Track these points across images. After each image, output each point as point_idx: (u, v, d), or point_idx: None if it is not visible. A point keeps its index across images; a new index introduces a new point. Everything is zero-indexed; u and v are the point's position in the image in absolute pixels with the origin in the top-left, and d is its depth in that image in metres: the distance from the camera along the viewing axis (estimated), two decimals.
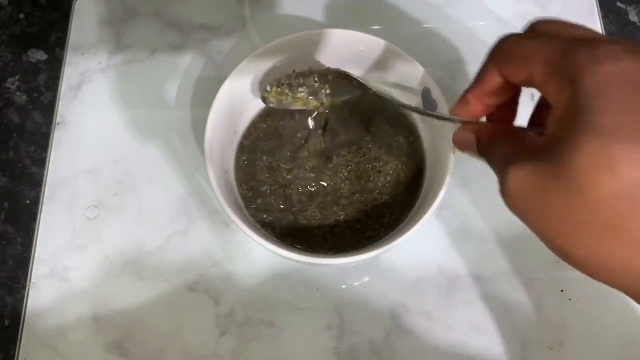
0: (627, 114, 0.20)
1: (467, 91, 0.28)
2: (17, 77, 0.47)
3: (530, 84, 0.24)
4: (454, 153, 0.34)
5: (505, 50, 0.25)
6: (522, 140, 0.25)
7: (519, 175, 0.22)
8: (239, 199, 0.38)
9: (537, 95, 0.26)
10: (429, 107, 0.38)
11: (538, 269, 0.39)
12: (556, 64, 0.22)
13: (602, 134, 0.20)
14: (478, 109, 0.28)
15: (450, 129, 0.36)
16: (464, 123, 0.29)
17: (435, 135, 0.38)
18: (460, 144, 0.28)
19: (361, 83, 0.35)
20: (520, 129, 0.28)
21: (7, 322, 0.39)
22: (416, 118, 0.40)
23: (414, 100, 0.39)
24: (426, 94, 0.38)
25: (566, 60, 0.22)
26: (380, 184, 0.38)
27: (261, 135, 0.40)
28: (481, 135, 0.27)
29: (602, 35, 0.22)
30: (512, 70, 0.25)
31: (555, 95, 0.22)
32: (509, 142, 0.25)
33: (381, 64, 0.40)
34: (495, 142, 0.25)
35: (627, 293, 0.22)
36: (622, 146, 0.19)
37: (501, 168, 0.23)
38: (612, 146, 0.19)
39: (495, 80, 0.26)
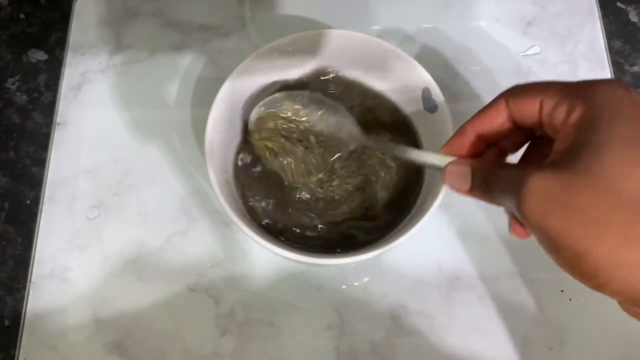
0: None
1: (467, 121, 0.28)
2: (17, 77, 0.47)
3: (537, 115, 0.25)
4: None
5: (518, 87, 0.26)
6: (530, 163, 0.25)
7: (541, 180, 0.22)
8: (239, 199, 0.38)
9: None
10: (428, 107, 0.38)
11: (538, 269, 0.39)
12: (566, 91, 0.23)
13: (624, 139, 0.21)
14: (472, 141, 0.27)
15: (451, 130, 0.36)
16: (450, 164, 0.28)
17: (435, 136, 0.37)
18: (450, 177, 0.27)
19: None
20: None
21: (7, 322, 0.39)
22: (416, 118, 0.40)
23: (414, 100, 0.39)
24: (426, 94, 0.38)
25: (578, 88, 0.23)
26: (380, 184, 0.38)
27: (262, 134, 0.40)
28: (477, 167, 0.26)
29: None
30: (521, 101, 0.25)
31: (564, 117, 0.23)
32: (512, 167, 0.24)
33: (381, 64, 0.40)
34: (497, 172, 0.25)
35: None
36: None
37: (514, 184, 0.23)
38: (635, 147, 0.21)
39: (498, 115, 0.26)
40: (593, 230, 0.21)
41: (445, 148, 0.28)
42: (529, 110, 0.25)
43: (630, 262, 0.20)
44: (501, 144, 0.28)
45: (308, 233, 0.37)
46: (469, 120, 0.27)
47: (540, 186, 0.22)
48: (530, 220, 0.22)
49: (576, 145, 0.22)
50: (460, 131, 0.28)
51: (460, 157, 0.28)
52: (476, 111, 0.27)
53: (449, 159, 0.27)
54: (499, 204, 0.25)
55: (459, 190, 0.27)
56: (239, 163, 0.39)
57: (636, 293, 0.21)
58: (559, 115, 0.23)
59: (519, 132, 0.27)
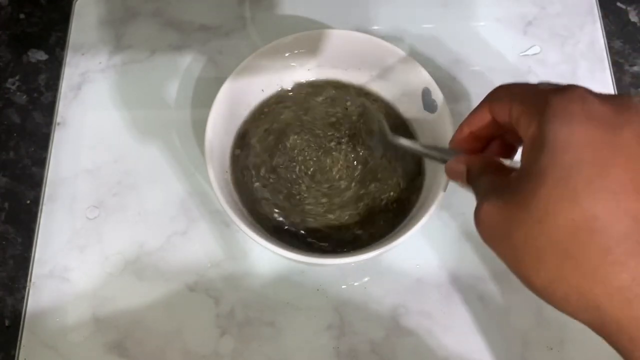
0: (588, 148, 0.21)
1: (463, 121, 0.29)
2: (17, 77, 0.47)
3: (510, 121, 0.25)
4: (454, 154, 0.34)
5: (496, 91, 0.27)
6: (503, 174, 0.25)
7: (490, 208, 0.23)
8: (239, 199, 0.38)
9: None
10: (428, 107, 0.38)
11: None
12: (528, 100, 0.24)
13: (565, 169, 0.21)
14: (469, 139, 0.29)
15: (451, 130, 0.36)
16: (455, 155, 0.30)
17: (435, 136, 0.38)
18: (451, 173, 0.29)
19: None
20: (508, 162, 0.29)
21: (7, 322, 0.39)
22: (416, 118, 0.40)
23: (414, 100, 0.39)
24: (426, 94, 0.38)
25: (537, 98, 0.23)
26: (380, 185, 0.38)
27: (262, 135, 0.40)
28: (472, 167, 0.28)
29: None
30: (496, 108, 0.26)
31: (525, 129, 0.23)
32: (491, 176, 0.26)
33: (381, 64, 0.40)
34: (482, 174, 0.26)
35: (588, 325, 0.22)
36: (582, 179, 0.20)
37: (478, 200, 0.25)
38: (572, 178, 0.20)
39: (484, 116, 0.27)
40: (532, 264, 0.22)
41: (450, 143, 0.31)
42: (504, 115, 0.26)
43: (562, 296, 0.22)
44: (505, 137, 0.29)
45: (308, 233, 0.37)
46: (465, 119, 0.29)
47: (488, 215, 0.23)
48: (483, 240, 0.24)
49: (525, 169, 0.22)
50: (459, 129, 0.30)
51: (466, 151, 0.30)
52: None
53: (454, 154, 0.30)
54: None
55: (458, 183, 0.29)
56: (240, 163, 0.39)
57: (583, 319, 0.22)
58: (522, 127, 0.24)
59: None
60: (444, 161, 0.30)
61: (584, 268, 0.20)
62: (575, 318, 0.22)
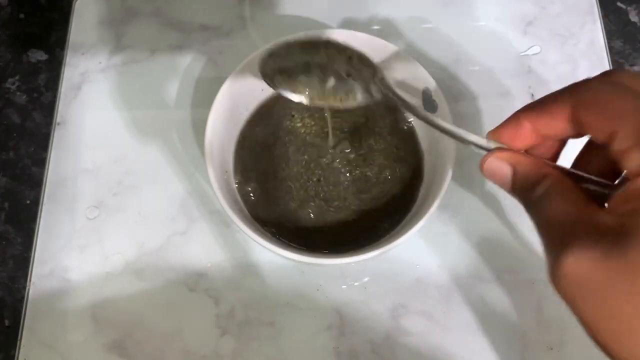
0: None
1: (521, 112, 0.23)
2: (17, 77, 0.47)
3: (603, 140, 0.20)
4: (454, 154, 0.34)
5: (591, 93, 0.21)
6: (579, 199, 0.20)
7: (580, 262, 0.18)
8: (239, 199, 0.38)
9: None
10: (428, 107, 0.38)
11: (538, 270, 0.39)
12: None
13: None
14: (527, 137, 0.23)
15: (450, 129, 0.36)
16: (493, 150, 0.24)
17: (435, 136, 0.37)
18: (491, 174, 0.23)
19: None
20: (575, 174, 0.22)
21: (7, 322, 0.39)
22: (416, 118, 0.40)
23: (414, 100, 0.39)
24: (426, 94, 0.38)
25: None
26: (379, 185, 0.38)
27: (262, 135, 0.40)
28: (521, 170, 0.22)
29: None
30: (591, 118, 0.21)
31: (636, 167, 0.19)
32: (565, 200, 0.20)
33: (381, 64, 0.40)
34: (542, 186, 0.21)
35: None
36: None
37: (554, 240, 0.19)
38: None
39: (562, 116, 0.22)
40: (631, 344, 0.18)
41: (492, 134, 0.24)
42: (597, 131, 0.21)
43: None
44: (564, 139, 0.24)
45: (308, 232, 0.37)
46: (526, 109, 0.23)
47: (577, 270, 0.19)
48: (560, 294, 0.20)
49: (631, 222, 0.18)
50: (513, 119, 0.23)
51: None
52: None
53: (495, 145, 0.24)
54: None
55: (500, 186, 0.23)
56: (240, 163, 0.39)
57: None
58: (631, 164, 0.19)
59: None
60: (480, 148, 0.24)
61: None
62: None
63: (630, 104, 0.20)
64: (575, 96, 0.22)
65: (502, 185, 0.23)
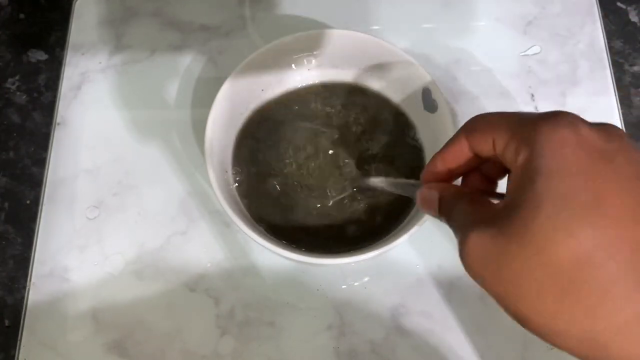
0: (583, 177, 0.20)
1: (436, 154, 0.28)
2: (17, 77, 0.47)
3: (493, 152, 0.24)
4: None
5: (473, 121, 0.25)
6: (484, 204, 0.24)
7: (479, 239, 0.22)
8: (239, 199, 0.38)
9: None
10: (428, 107, 0.38)
11: None
12: (515, 128, 0.23)
13: (560, 198, 0.20)
14: (443, 173, 0.28)
15: (451, 130, 0.36)
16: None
17: (435, 136, 0.38)
18: (422, 203, 0.28)
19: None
20: (484, 193, 0.27)
21: (7, 322, 0.39)
22: (414, 118, 0.40)
23: (414, 100, 0.39)
24: (426, 94, 0.38)
25: (525, 126, 0.22)
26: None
27: (261, 135, 0.40)
28: (445, 195, 0.26)
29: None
30: (477, 138, 0.25)
31: (513, 158, 0.22)
32: (470, 204, 0.24)
33: (381, 64, 0.40)
34: (457, 203, 0.25)
35: None
36: (580, 209, 0.19)
37: (461, 230, 0.23)
38: (569, 209, 0.19)
39: (461, 149, 0.26)
40: (529, 300, 0.20)
41: (421, 176, 0.29)
42: (485, 147, 0.24)
43: (563, 333, 0.20)
44: (484, 169, 0.27)
45: (308, 232, 0.37)
46: (439, 151, 0.27)
47: (478, 247, 0.22)
48: (471, 276, 0.23)
49: (516, 199, 0.21)
50: (431, 162, 0.28)
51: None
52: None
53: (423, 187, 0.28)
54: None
55: (430, 214, 0.27)
56: (240, 162, 0.39)
57: (585, 357, 0.21)
58: (509, 156, 0.23)
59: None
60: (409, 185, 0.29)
61: (586, 303, 0.19)
62: (577, 356, 0.21)
63: (501, 116, 0.24)
64: (465, 127, 0.26)
65: (432, 210, 0.27)
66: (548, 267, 0.20)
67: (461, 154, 0.26)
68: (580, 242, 0.19)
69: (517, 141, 0.22)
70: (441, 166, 0.27)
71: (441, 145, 0.28)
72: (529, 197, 0.20)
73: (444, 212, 0.26)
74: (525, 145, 0.22)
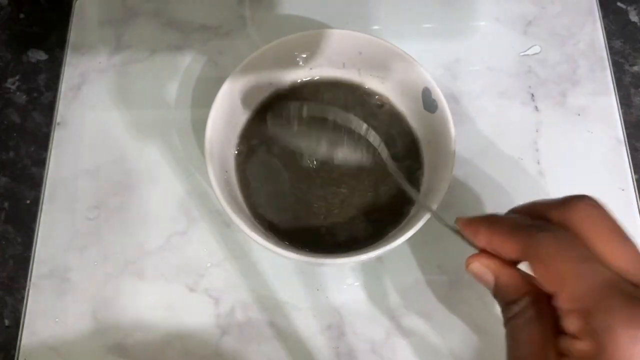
0: None
1: (483, 220, 0.26)
2: (17, 77, 0.47)
3: (548, 291, 0.22)
4: (454, 154, 0.34)
5: (539, 249, 0.22)
6: (549, 331, 0.22)
7: None
8: (239, 199, 0.38)
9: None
10: (428, 107, 0.38)
11: None
12: (587, 307, 0.21)
13: None
14: (481, 243, 0.26)
15: (451, 130, 0.36)
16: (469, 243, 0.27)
17: (435, 136, 0.37)
18: (476, 277, 0.26)
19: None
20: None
21: (7, 322, 0.39)
22: (416, 118, 0.40)
23: (414, 100, 0.39)
24: (426, 94, 0.38)
25: (599, 311, 0.20)
26: (380, 184, 0.38)
27: (261, 135, 0.40)
28: (499, 282, 0.24)
29: None
30: (536, 272, 0.23)
31: (576, 330, 0.21)
32: (534, 331, 0.23)
33: (381, 64, 0.40)
34: (519, 308, 0.23)
35: None
36: None
37: None
38: None
39: (511, 249, 0.24)
40: None
41: (457, 222, 0.27)
42: (541, 283, 0.23)
43: None
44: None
45: (308, 232, 0.37)
46: (487, 218, 0.25)
47: None
48: None
49: None
50: (473, 226, 0.26)
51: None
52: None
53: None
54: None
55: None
56: (240, 162, 0.39)
57: None
58: (568, 326, 0.21)
59: None
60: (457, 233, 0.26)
61: None
62: None
63: (572, 269, 0.21)
64: (524, 243, 0.23)
65: (485, 286, 0.25)
66: None
67: (508, 251, 0.24)
68: None
69: (586, 324, 0.20)
70: (483, 235, 0.25)
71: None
72: None
73: (499, 300, 0.24)
74: (595, 336, 0.20)
